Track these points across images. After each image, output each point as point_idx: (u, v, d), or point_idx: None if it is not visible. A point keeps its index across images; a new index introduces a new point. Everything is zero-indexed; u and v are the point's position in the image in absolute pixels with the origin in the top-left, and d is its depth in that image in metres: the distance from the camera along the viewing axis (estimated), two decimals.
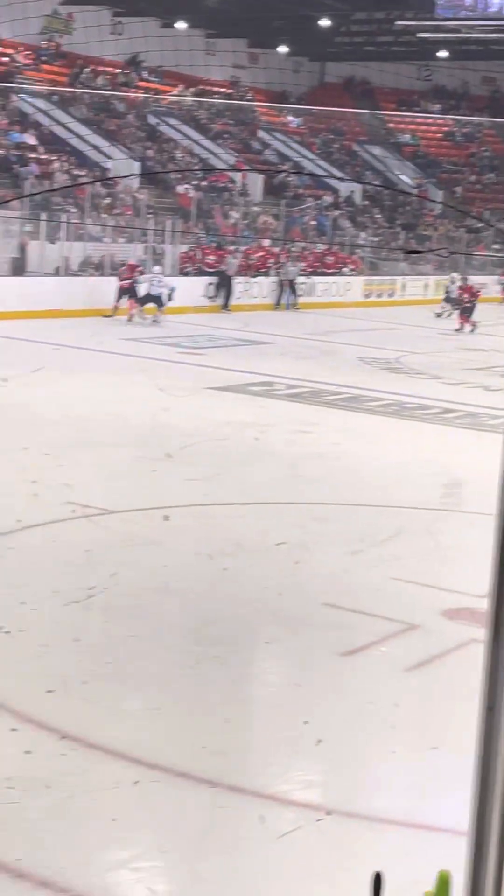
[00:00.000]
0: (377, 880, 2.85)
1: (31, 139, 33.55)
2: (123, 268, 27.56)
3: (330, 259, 36.41)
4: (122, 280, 27.11)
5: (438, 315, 32.80)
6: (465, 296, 31.40)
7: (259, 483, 12.09)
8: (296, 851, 5.41)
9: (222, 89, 43.05)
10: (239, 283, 31.23)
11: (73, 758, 6.11)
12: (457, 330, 30.12)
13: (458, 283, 32.44)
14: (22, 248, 28.32)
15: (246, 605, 8.60)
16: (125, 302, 27.07)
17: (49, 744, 6.20)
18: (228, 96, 42.57)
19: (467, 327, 30.30)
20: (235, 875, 5.26)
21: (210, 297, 30.65)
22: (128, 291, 26.99)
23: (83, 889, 5.02)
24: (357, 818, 5.74)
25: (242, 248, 33.85)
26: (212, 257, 31.77)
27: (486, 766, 2.34)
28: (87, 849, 5.37)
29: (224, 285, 30.71)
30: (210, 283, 30.75)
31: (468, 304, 30.95)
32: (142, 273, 27.58)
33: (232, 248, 32.77)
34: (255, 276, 32.57)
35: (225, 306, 30.64)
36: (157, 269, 28.61)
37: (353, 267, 37.32)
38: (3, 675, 6.48)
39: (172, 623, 8.18)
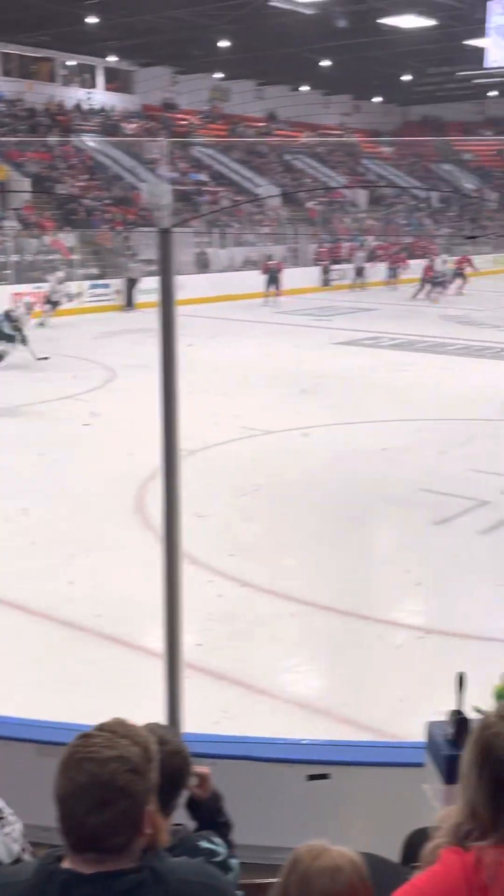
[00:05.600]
0: (461, 679, 2.80)
1: (203, 177, 33.33)
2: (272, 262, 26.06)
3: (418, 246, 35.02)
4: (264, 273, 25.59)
5: None
6: None
7: (370, 407, 11.92)
8: (405, 659, 5.39)
9: (335, 132, 41.92)
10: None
11: (249, 598, 6.19)
12: None
13: None
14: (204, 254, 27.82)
15: (365, 492, 8.53)
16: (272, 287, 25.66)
17: (233, 589, 6.29)
18: (340, 136, 41.49)
19: None
20: (362, 674, 5.27)
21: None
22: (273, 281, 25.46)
23: (265, 686, 5.09)
24: (447, 635, 5.67)
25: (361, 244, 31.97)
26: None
27: None
28: (263, 658, 5.44)
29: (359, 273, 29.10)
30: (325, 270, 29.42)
31: None
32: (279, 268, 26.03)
33: (356, 244, 31.37)
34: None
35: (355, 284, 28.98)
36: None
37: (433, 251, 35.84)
38: (200, 545, 6.55)
39: (313, 506, 8.16)
